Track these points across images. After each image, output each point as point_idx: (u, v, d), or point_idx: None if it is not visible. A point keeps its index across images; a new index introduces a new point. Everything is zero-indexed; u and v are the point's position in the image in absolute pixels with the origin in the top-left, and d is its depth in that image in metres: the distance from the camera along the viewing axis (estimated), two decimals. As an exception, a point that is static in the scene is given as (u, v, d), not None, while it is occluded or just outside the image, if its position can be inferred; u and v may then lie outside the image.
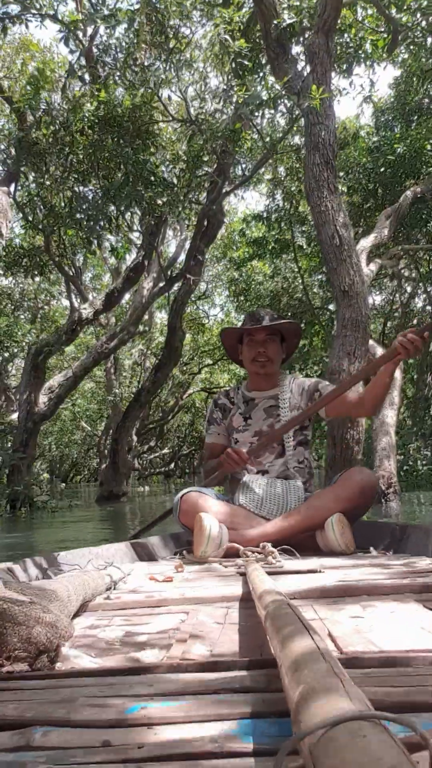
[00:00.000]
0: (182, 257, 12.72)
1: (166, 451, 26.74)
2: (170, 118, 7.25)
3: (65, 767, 0.50)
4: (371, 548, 2.05)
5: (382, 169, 8.88)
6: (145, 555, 2.12)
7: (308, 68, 5.50)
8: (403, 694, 0.62)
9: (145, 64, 6.62)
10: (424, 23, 7.47)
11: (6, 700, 0.67)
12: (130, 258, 11.42)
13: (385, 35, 7.44)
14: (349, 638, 0.86)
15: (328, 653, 0.53)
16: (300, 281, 12.24)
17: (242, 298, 13.80)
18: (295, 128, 7.73)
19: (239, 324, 2.52)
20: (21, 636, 0.78)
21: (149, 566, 1.84)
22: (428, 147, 8.54)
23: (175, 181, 7.06)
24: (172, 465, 27.64)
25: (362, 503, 2.04)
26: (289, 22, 5.72)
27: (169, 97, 7.51)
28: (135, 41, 6.46)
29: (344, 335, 4.51)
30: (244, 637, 0.92)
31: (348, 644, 0.83)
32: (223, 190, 9.00)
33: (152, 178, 6.51)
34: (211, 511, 2.03)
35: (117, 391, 16.49)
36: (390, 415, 6.35)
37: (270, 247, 11.79)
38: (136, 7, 6.36)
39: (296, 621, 0.65)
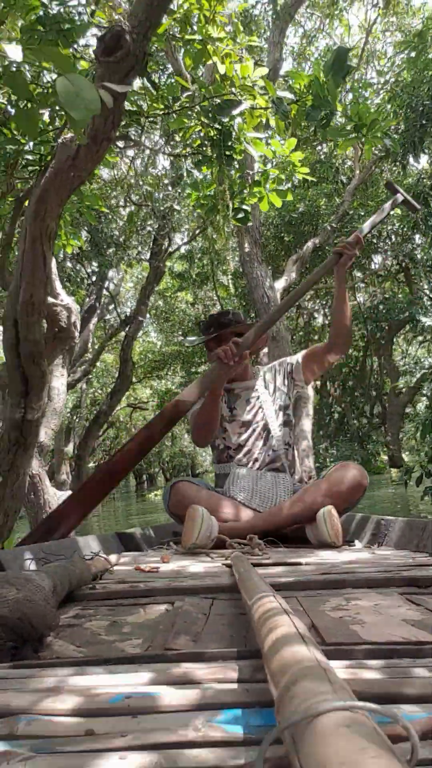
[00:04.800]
0: (118, 291, 15.76)
1: (91, 465, 27.23)
2: (131, 203, 9.80)
3: (49, 756, 0.50)
4: (356, 541, 2.07)
5: (287, 221, 11.03)
6: (132, 545, 2.12)
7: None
8: (385, 686, 0.62)
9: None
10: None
11: (-10, 689, 0.67)
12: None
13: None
14: (332, 630, 0.87)
15: (312, 644, 0.53)
16: (218, 307, 14.62)
17: (162, 320, 16.22)
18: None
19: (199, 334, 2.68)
20: (6, 625, 0.78)
21: (135, 557, 1.84)
22: (323, 206, 10.66)
23: (122, 239, 9.93)
24: (98, 478, 28.08)
25: (351, 498, 2.05)
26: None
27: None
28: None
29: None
30: (229, 628, 0.92)
31: (331, 636, 0.83)
32: (166, 250, 11.54)
33: (111, 242, 9.36)
34: (202, 502, 2.04)
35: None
36: (307, 423, 7.98)
37: (192, 280, 14.05)
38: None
39: (281, 612, 0.65)
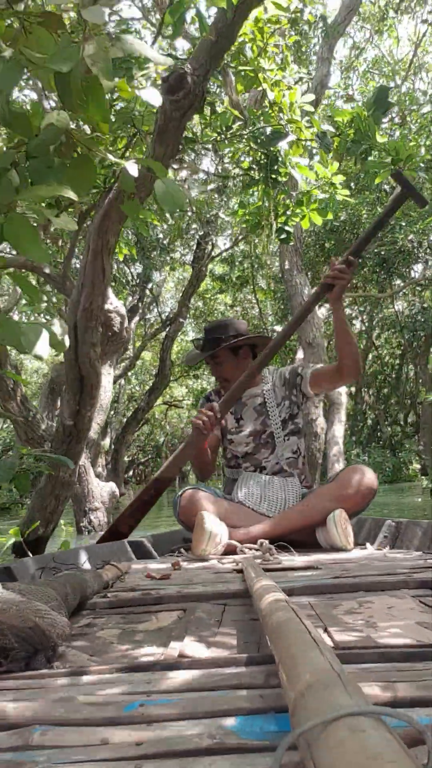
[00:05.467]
0: (160, 291, 16.13)
1: (126, 459, 27.68)
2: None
3: (64, 766, 0.50)
4: (367, 544, 2.05)
5: (329, 228, 11.31)
6: (142, 553, 2.12)
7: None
8: (400, 690, 0.62)
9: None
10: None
11: (4, 700, 0.67)
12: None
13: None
14: (346, 634, 0.86)
15: (326, 648, 0.53)
16: (257, 310, 15.19)
17: (201, 321, 16.57)
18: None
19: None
20: (19, 636, 0.78)
21: (146, 564, 1.84)
22: (364, 214, 10.85)
23: (166, 242, 10.55)
24: (131, 473, 28.38)
25: (361, 501, 2.04)
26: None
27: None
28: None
29: None
30: (242, 634, 0.92)
31: (345, 640, 0.83)
32: (209, 254, 11.90)
33: (155, 246, 9.97)
34: (211, 509, 2.03)
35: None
36: (339, 429, 8.07)
37: (232, 283, 14.40)
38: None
39: (293, 617, 0.65)
